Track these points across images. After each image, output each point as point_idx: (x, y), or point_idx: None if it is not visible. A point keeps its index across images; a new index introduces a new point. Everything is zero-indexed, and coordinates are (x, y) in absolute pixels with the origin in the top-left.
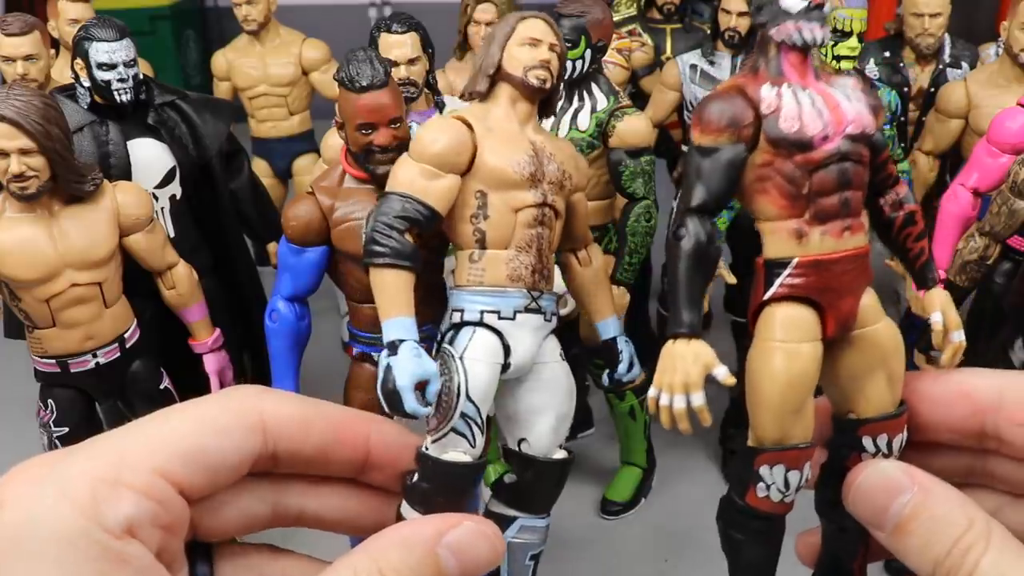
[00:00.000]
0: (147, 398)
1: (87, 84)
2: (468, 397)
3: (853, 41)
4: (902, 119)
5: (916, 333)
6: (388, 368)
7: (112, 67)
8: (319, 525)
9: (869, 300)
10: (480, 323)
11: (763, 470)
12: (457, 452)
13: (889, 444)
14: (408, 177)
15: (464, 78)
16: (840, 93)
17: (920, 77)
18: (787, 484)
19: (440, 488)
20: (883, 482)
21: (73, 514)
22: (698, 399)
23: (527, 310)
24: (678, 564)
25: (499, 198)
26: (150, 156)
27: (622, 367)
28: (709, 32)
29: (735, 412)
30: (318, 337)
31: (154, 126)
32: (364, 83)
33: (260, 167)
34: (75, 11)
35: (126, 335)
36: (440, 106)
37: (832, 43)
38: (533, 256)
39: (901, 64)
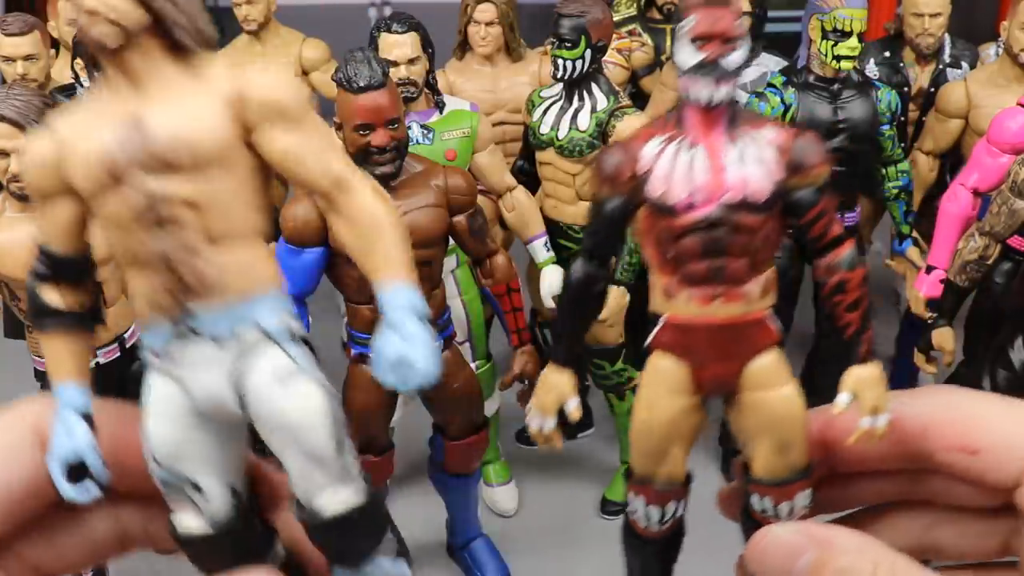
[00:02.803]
0: None
1: (87, 84)
2: (155, 461)
3: (853, 41)
4: (902, 119)
5: (916, 333)
6: None
7: None
8: (172, 548)
9: (766, 363)
10: (154, 366)
11: (630, 496)
12: (186, 515)
13: (775, 507)
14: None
15: (464, 78)
16: (738, 153)
17: (920, 77)
18: (648, 517)
19: (199, 561)
20: (780, 548)
21: None
22: (548, 424)
23: (181, 340)
24: (678, 564)
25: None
26: None
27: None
28: None
29: None
30: (318, 338)
31: None
32: (362, 84)
33: None
34: (75, 11)
35: (125, 335)
36: (440, 106)
37: (832, 43)
38: (163, 272)
39: (901, 64)
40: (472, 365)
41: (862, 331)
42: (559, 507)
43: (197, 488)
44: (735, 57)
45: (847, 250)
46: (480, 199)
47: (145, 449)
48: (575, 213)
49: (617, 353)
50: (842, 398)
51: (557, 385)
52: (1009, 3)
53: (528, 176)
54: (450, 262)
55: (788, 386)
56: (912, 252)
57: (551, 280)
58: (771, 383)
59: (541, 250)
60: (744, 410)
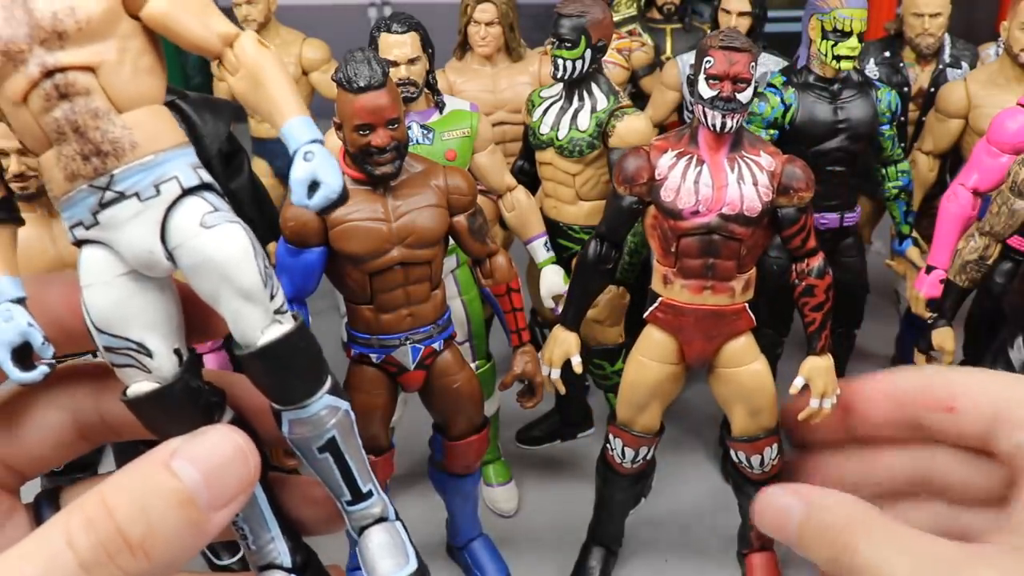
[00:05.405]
0: None
1: None
2: (97, 330)
3: (853, 41)
4: (902, 119)
5: (916, 333)
6: None
7: None
8: (134, 432)
9: (739, 344)
10: (79, 242)
11: (610, 436)
12: (139, 384)
13: (748, 459)
14: None
15: (464, 78)
16: (738, 173)
17: (920, 77)
18: (623, 455)
19: (153, 424)
20: (774, 508)
21: None
22: (554, 373)
23: (105, 205)
24: (678, 564)
25: None
26: None
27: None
28: (709, 32)
29: None
30: (318, 338)
31: None
32: (362, 84)
33: (260, 167)
34: None
35: None
36: (440, 106)
37: (832, 43)
38: (74, 141)
39: (901, 64)
40: (472, 365)
41: (822, 328)
42: (559, 507)
43: (143, 349)
44: (745, 95)
45: (818, 261)
46: (480, 199)
47: (86, 321)
48: (575, 213)
49: (617, 353)
50: (797, 381)
51: (565, 342)
52: (1009, 3)
53: (528, 176)
54: (450, 262)
55: (757, 362)
56: (912, 252)
57: (551, 280)
58: (744, 360)
59: (541, 250)
60: (721, 381)
